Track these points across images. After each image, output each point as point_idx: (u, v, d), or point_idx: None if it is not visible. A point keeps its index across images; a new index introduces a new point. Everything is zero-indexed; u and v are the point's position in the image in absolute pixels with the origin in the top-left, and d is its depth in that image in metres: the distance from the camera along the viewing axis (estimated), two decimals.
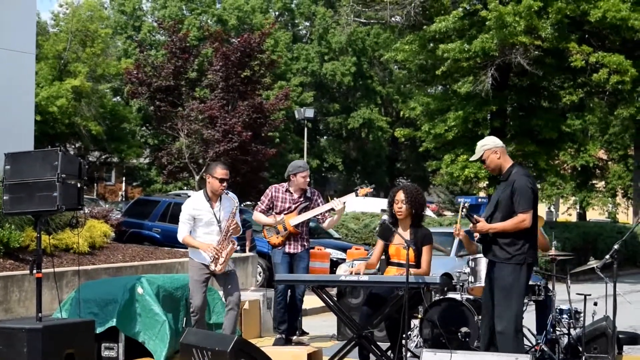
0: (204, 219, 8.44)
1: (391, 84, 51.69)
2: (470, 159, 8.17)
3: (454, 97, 24.66)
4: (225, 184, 8.38)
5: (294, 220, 9.56)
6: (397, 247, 8.00)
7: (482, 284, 8.01)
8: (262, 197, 9.86)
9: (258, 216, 9.83)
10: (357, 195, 9.66)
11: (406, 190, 8.04)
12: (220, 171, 8.38)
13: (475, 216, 7.38)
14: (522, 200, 7.32)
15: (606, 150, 42.50)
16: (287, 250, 9.62)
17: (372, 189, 9.70)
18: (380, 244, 8.22)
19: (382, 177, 51.43)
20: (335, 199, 9.80)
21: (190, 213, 8.47)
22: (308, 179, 9.72)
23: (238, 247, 8.45)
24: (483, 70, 22.69)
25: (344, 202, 9.65)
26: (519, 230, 7.32)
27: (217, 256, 8.29)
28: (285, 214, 9.61)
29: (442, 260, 13.43)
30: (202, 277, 8.43)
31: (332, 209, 9.80)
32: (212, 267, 8.33)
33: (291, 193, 9.69)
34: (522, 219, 7.29)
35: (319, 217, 9.79)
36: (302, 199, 9.69)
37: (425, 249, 7.97)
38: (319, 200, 9.81)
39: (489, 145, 7.62)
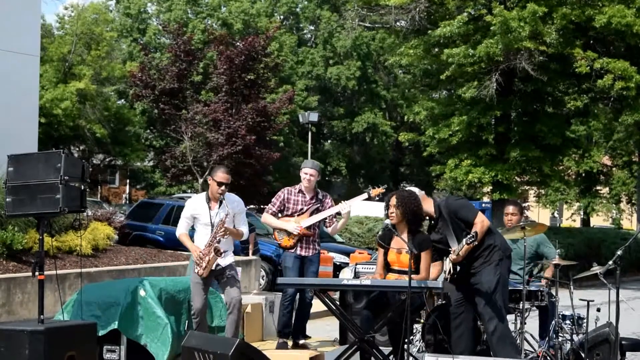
0: (202, 220, 8.52)
1: (395, 89, 51.64)
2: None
3: (458, 101, 24.66)
4: (224, 187, 8.37)
5: (305, 221, 9.54)
6: (396, 253, 8.02)
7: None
8: (274, 200, 9.74)
9: (269, 219, 9.72)
10: (369, 196, 9.65)
11: (398, 195, 8.10)
12: (220, 175, 8.38)
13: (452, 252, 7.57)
14: (467, 211, 7.76)
15: (610, 156, 42.44)
16: (299, 252, 9.58)
17: (384, 189, 9.68)
18: (381, 252, 8.24)
19: (386, 182, 51.29)
20: (342, 202, 9.77)
21: (190, 212, 8.61)
22: (312, 178, 9.59)
23: (222, 257, 8.39)
24: (487, 75, 22.70)
25: (350, 206, 9.63)
26: (483, 233, 7.60)
27: (199, 261, 8.33)
28: (297, 216, 9.58)
29: None
30: (202, 279, 8.44)
31: (339, 213, 9.79)
32: (197, 269, 8.40)
33: (304, 194, 9.64)
34: (481, 220, 7.66)
35: (326, 221, 9.77)
36: (313, 201, 9.65)
37: (424, 255, 7.96)
38: (330, 204, 9.77)
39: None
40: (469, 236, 7.38)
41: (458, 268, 7.76)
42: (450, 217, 7.62)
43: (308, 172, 9.58)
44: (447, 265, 7.62)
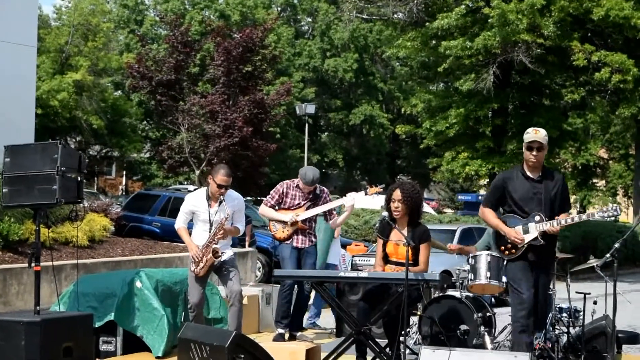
0: (201, 216, 8.51)
1: (393, 81, 51.64)
2: (535, 139, 7.38)
3: (456, 94, 24.67)
4: (223, 190, 8.35)
5: (302, 215, 9.57)
6: (394, 245, 7.98)
7: (482, 282, 8.01)
8: (272, 192, 9.81)
9: (266, 211, 9.78)
10: (366, 194, 9.70)
11: (403, 189, 8.01)
12: (220, 177, 8.34)
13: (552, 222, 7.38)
14: (569, 202, 7.58)
15: (607, 149, 42.46)
16: (295, 244, 9.62)
17: (381, 189, 9.68)
18: (380, 242, 8.21)
19: (383, 174, 51.37)
20: (349, 193, 9.80)
21: (189, 208, 8.58)
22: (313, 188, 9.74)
23: (220, 259, 8.39)
24: (485, 68, 22.69)
25: (354, 199, 9.66)
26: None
27: (197, 260, 8.32)
28: (293, 210, 9.61)
29: (441, 257, 13.36)
30: None
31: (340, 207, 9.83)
32: (193, 267, 8.39)
33: (301, 189, 9.70)
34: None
35: (326, 214, 9.82)
36: (311, 196, 9.70)
37: (423, 247, 7.93)
38: (327, 198, 9.82)
39: (547, 138, 7.60)
40: (611, 207, 7.27)
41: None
42: (556, 190, 7.46)
43: (310, 189, 9.65)
44: (535, 233, 7.38)
